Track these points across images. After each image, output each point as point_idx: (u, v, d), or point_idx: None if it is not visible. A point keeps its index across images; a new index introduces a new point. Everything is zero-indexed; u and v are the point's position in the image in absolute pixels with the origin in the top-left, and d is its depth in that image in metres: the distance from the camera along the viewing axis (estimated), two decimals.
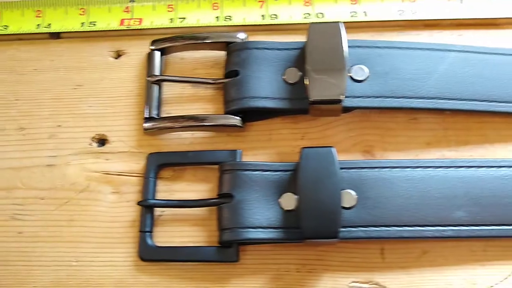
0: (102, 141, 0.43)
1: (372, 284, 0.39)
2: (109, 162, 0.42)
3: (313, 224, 0.37)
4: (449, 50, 0.41)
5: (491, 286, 0.38)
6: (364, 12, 0.45)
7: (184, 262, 0.39)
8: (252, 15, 0.45)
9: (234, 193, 0.39)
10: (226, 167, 0.40)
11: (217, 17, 0.45)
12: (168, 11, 0.46)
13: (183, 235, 0.40)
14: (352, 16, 0.45)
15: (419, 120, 0.42)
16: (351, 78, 0.40)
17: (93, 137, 0.43)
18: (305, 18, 0.45)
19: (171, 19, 0.46)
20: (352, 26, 0.45)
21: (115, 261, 0.40)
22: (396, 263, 0.39)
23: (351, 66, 0.41)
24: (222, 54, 0.44)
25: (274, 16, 0.45)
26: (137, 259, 0.40)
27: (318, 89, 0.39)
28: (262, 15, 0.45)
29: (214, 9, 0.46)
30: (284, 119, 0.43)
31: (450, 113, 0.42)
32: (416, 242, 0.39)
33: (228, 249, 0.39)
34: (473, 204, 0.38)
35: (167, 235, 0.40)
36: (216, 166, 0.41)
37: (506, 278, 0.38)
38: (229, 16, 0.45)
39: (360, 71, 0.40)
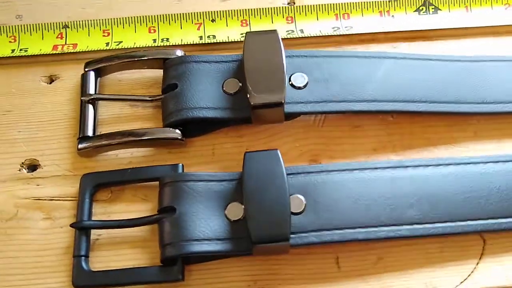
0: (33, 167, 0.40)
1: None
2: (40, 188, 0.39)
3: (262, 229, 0.34)
4: (385, 57, 0.42)
5: None
6: (301, 29, 0.45)
7: (124, 285, 0.36)
8: (190, 37, 0.45)
9: (176, 205, 0.36)
10: (167, 180, 0.37)
11: (154, 39, 0.45)
12: (104, 36, 0.45)
13: (124, 258, 0.37)
14: (288, 34, 0.45)
15: (363, 128, 0.42)
16: (292, 85, 0.40)
17: (23, 163, 0.40)
18: (242, 37, 0.45)
19: (107, 43, 0.45)
20: (289, 43, 0.45)
21: None
22: (352, 271, 0.37)
23: (291, 74, 0.40)
24: (160, 73, 0.43)
25: (212, 36, 0.45)
26: (71, 287, 0.36)
27: (259, 93, 0.38)
28: (200, 37, 0.45)
29: (151, 33, 0.45)
30: (227, 133, 0.41)
31: (393, 119, 0.42)
32: (370, 248, 0.38)
33: (171, 267, 0.36)
34: (423, 202, 0.37)
35: (105, 260, 0.37)
36: (157, 183, 0.38)
37: (465, 279, 0.37)
38: (167, 38, 0.45)
39: (299, 78, 0.40)
